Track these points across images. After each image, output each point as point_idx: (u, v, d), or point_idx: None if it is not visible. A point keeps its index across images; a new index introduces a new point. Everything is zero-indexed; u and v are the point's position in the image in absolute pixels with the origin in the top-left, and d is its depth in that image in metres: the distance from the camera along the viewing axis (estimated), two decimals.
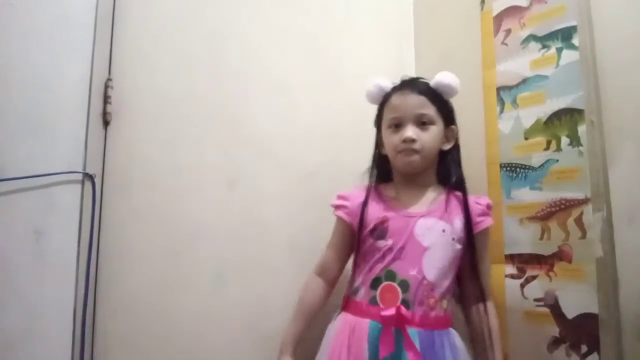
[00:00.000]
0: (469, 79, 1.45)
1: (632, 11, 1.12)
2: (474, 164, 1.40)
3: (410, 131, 1.10)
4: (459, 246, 1.13)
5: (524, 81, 1.31)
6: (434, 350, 1.04)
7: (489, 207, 1.19)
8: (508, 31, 1.37)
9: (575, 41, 1.20)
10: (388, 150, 1.16)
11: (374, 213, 1.12)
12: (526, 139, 1.29)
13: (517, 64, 1.33)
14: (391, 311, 1.02)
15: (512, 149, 1.32)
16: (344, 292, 1.16)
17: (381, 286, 1.06)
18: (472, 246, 1.14)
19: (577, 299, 1.15)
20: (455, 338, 1.10)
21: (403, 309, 1.03)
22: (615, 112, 1.13)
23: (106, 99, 1.08)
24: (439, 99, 1.16)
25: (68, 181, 1.04)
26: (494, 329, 1.15)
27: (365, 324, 1.04)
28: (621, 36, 1.13)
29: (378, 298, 1.06)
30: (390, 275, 1.07)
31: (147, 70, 1.14)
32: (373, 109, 1.45)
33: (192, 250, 1.13)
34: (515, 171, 1.31)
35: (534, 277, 1.24)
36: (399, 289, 1.06)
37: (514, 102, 1.33)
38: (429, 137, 1.12)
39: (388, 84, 1.18)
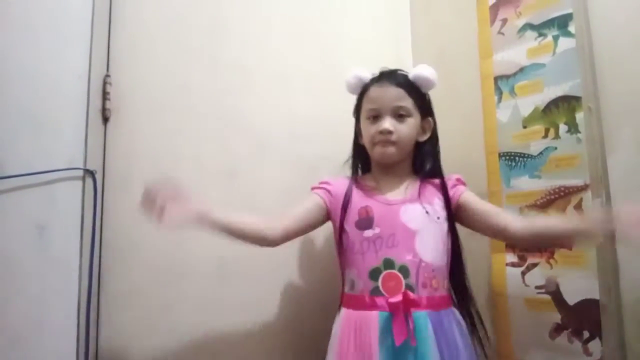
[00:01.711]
0: (466, 69, 1.46)
1: None
2: (473, 153, 1.41)
3: (387, 123, 1.11)
4: (445, 225, 1.13)
5: (521, 70, 1.31)
6: (443, 330, 1.04)
7: (458, 179, 1.19)
8: (504, 20, 1.37)
9: (572, 28, 1.20)
10: (365, 141, 1.17)
11: (357, 203, 1.13)
12: (524, 127, 1.29)
13: (514, 53, 1.33)
14: (398, 297, 1.01)
15: (510, 137, 1.32)
16: (340, 289, 1.14)
17: (382, 275, 1.06)
18: (452, 224, 1.14)
19: (578, 285, 1.16)
20: (458, 316, 1.11)
21: (410, 294, 1.03)
22: (613, 98, 1.13)
23: (105, 95, 1.09)
24: (417, 92, 1.16)
25: (69, 177, 1.04)
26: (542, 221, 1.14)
27: (371, 316, 1.03)
28: (617, 22, 1.14)
29: (381, 288, 1.05)
30: (389, 264, 1.06)
31: (145, 65, 1.15)
32: None
33: (193, 243, 1.14)
34: (514, 160, 1.31)
35: (534, 265, 1.25)
36: (400, 275, 1.06)
37: (512, 91, 1.33)
38: (406, 129, 1.13)
39: (367, 74, 1.19)
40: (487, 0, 1.42)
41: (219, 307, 1.15)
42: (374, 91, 1.16)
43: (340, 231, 1.12)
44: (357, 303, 1.06)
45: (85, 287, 1.00)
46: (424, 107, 1.18)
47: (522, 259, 1.28)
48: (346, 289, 1.10)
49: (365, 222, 1.10)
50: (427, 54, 1.60)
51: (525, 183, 1.28)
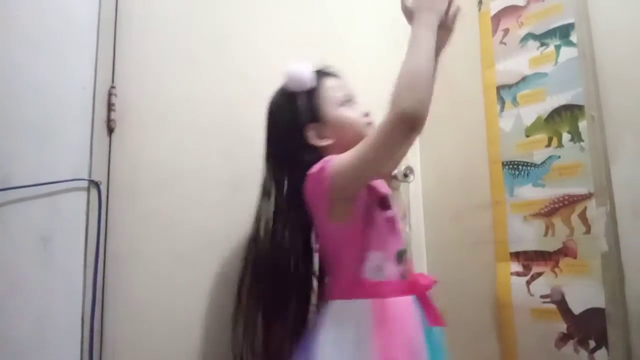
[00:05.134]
0: (469, 79, 1.47)
1: (628, 5, 1.14)
2: (476, 163, 1.41)
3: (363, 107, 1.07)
4: None
5: (524, 79, 1.32)
6: None
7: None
8: (506, 30, 1.38)
9: (573, 38, 1.21)
10: (351, 125, 1.03)
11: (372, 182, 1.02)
12: (527, 136, 1.30)
13: (516, 63, 1.34)
14: (427, 280, 0.98)
15: (513, 146, 1.33)
16: (344, 276, 0.97)
17: (404, 258, 0.99)
18: None
19: (584, 294, 1.16)
20: None
21: (428, 276, 1.00)
22: (615, 106, 1.14)
23: (110, 107, 1.09)
24: None
25: (74, 189, 1.04)
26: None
27: (407, 302, 0.94)
28: (618, 31, 1.15)
29: (407, 272, 0.99)
30: (404, 247, 1.01)
31: (151, 76, 1.15)
32: (377, 109, 1.47)
33: (198, 254, 1.13)
34: (517, 169, 1.31)
35: (539, 274, 1.25)
36: (409, 258, 1.04)
37: (514, 101, 1.34)
38: None
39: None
40: (489, 10, 1.44)
41: (223, 320, 1.14)
42: (332, 80, 1.08)
43: (365, 210, 0.96)
44: (389, 290, 0.94)
45: (89, 299, 0.99)
46: None
47: (527, 268, 1.28)
48: (368, 275, 0.95)
49: (385, 201, 1.00)
50: None
51: (529, 192, 1.29)
